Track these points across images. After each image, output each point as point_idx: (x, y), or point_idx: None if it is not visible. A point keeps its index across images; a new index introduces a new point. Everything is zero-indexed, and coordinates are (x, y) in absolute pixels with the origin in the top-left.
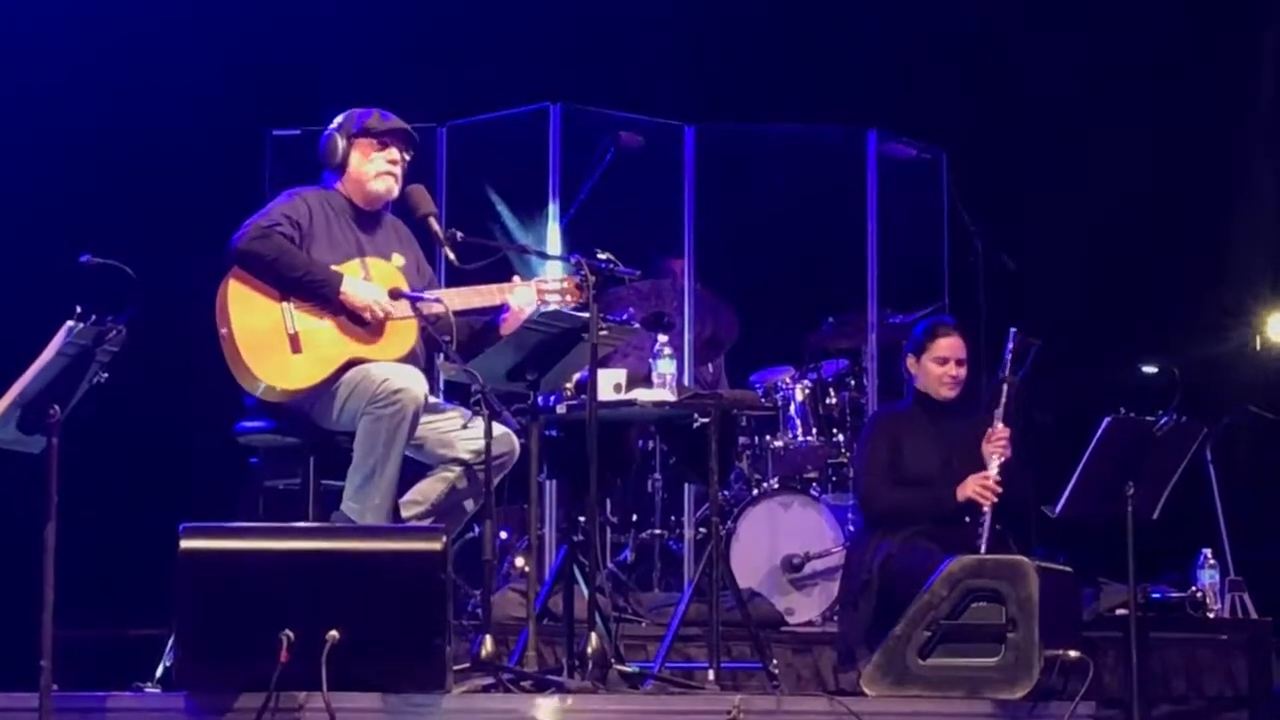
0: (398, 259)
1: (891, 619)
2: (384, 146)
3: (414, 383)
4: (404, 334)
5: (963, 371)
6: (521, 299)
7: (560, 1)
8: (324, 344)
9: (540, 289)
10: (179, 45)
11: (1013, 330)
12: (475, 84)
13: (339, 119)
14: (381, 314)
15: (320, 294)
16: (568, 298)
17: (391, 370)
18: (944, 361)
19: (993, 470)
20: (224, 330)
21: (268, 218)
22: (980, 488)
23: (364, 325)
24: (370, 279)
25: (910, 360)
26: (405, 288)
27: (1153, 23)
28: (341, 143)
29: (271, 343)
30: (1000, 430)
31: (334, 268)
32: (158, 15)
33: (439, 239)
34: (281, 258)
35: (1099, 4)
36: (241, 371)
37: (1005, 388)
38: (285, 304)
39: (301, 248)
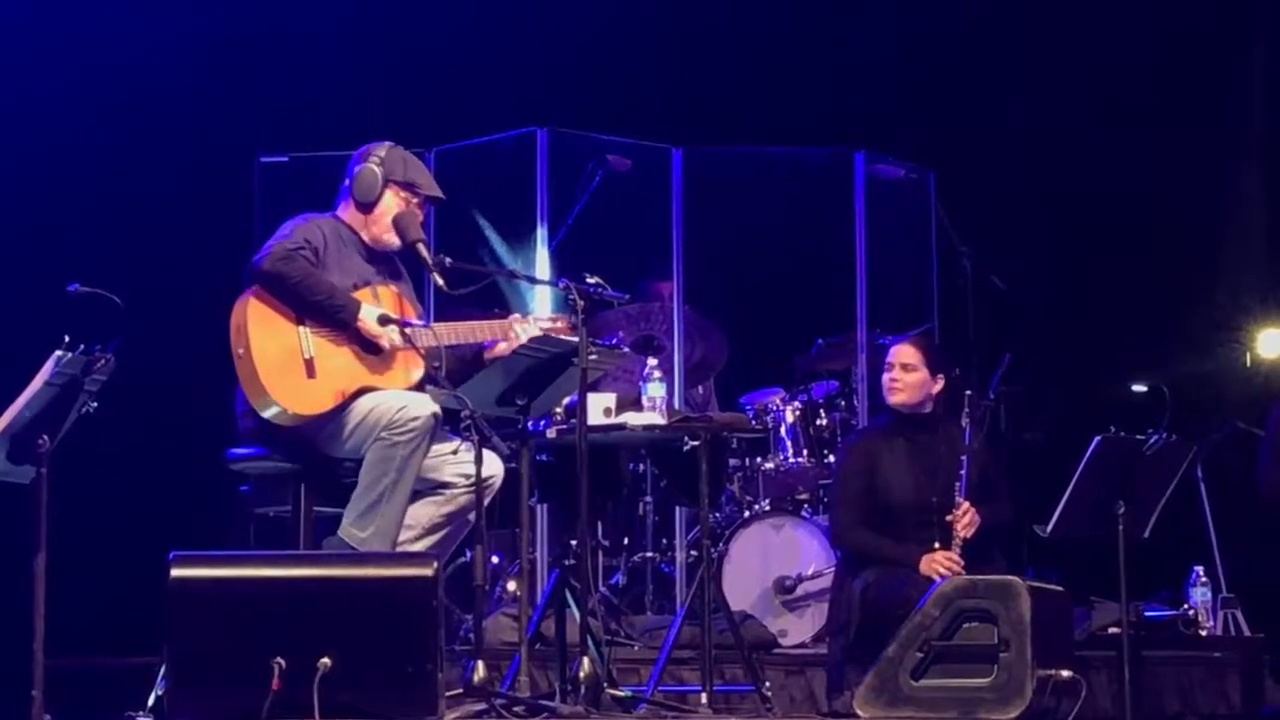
0: (392, 289)
1: (874, 644)
2: (418, 209)
3: (427, 410)
4: (414, 364)
5: (910, 377)
6: (522, 335)
7: (547, 26)
8: (337, 371)
9: (540, 327)
10: (167, 72)
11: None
12: (462, 109)
13: (380, 152)
14: (398, 342)
15: (338, 319)
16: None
17: (407, 398)
18: (889, 368)
19: (955, 551)
20: (240, 350)
21: (291, 240)
22: (944, 570)
23: (376, 354)
24: (383, 308)
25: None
26: (412, 316)
27: (1140, 40)
28: (380, 182)
29: (287, 365)
30: (963, 507)
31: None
32: (146, 43)
33: (428, 265)
34: (306, 280)
35: (1086, 24)
36: (256, 392)
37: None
38: (302, 328)
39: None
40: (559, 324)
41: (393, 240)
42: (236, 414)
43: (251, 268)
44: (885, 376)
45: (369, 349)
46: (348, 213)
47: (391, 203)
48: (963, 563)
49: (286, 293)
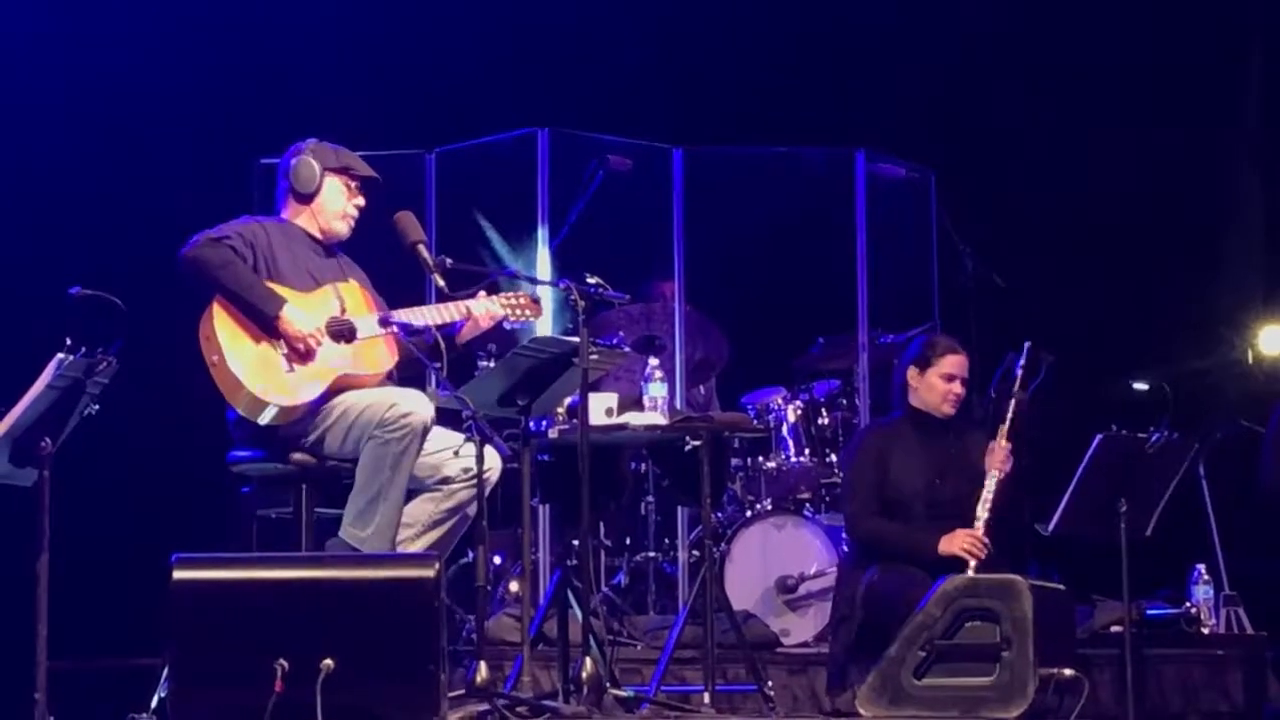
0: (355, 284)
1: (876, 642)
2: (357, 192)
3: (421, 406)
4: (382, 349)
5: (964, 391)
6: (480, 309)
7: (547, 27)
8: (313, 362)
9: (499, 302)
10: (166, 73)
11: (1026, 345)
12: (463, 110)
13: (310, 146)
14: (315, 346)
15: (258, 313)
16: (527, 312)
17: (398, 395)
18: (951, 379)
19: (990, 485)
20: (214, 358)
21: (219, 231)
22: (968, 545)
23: (348, 341)
24: (345, 305)
25: (911, 372)
26: (374, 314)
27: (1139, 39)
28: (317, 172)
29: (268, 363)
30: (1003, 445)
31: (303, 296)
32: (145, 44)
33: (428, 266)
34: (227, 268)
35: (1086, 23)
36: (243, 397)
37: (1014, 403)
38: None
39: (258, 272)
40: (520, 299)
41: (340, 227)
42: (228, 422)
43: (177, 256)
44: (948, 387)
45: (339, 337)
46: (291, 210)
47: (332, 190)
48: (986, 540)
49: (209, 280)
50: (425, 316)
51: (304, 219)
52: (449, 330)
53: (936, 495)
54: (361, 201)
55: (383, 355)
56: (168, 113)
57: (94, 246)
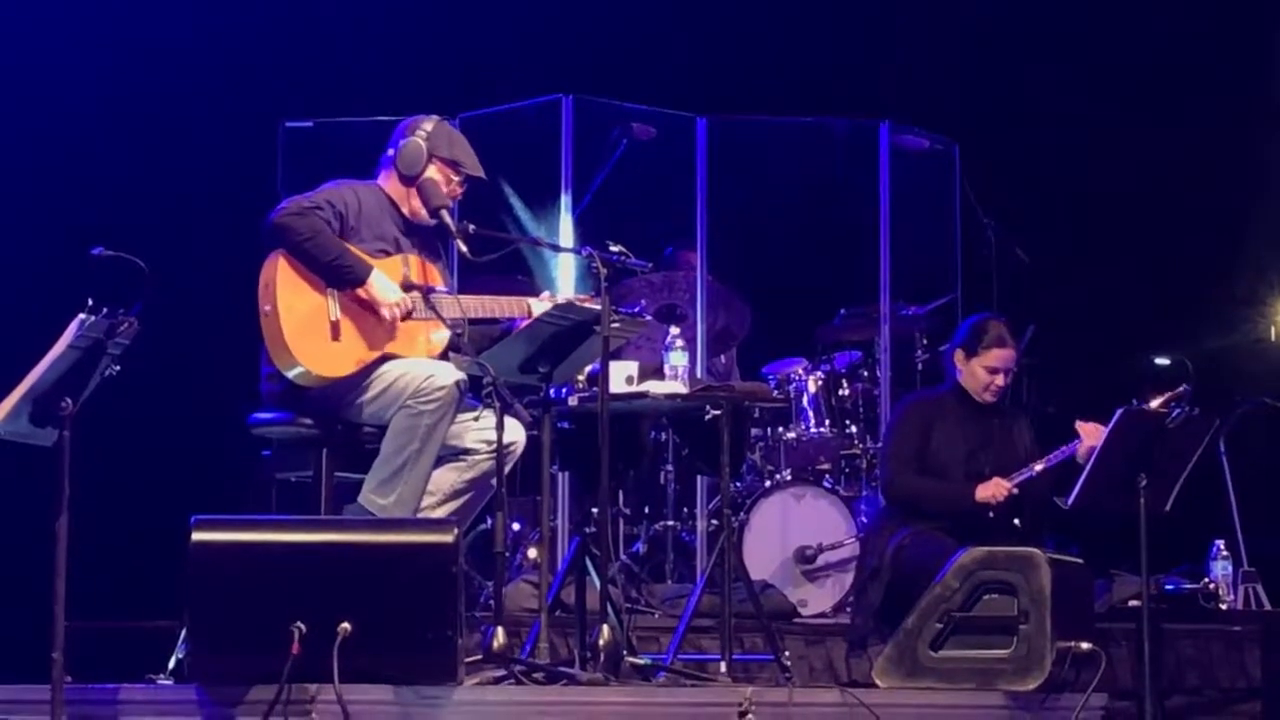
0: (425, 261)
1: (901, 606)
2: (457, 186)
3: (453, 379)
4: (438, 333)
5: (1007, 382)
6: (541, 310)
7: None
8: (363, 335)
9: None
10: (191, 37)
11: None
12: (487, 76)
13: (427, 125)
14: (401, 315)
15: (346, 280)
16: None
17: (434, 366)
18: (994, 371)
19: (1061, 451)
20: (267, 308)
21: (310, 199)
22: (1001, 491)
23: (403, 320)
24: (411, 276)
25: (959, 355)
26: (442, 286)
27: (1165, 11)
28: (424, 156)
29: (314, 327)
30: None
31: (376, 263)
32: (169, 7)
33: (452, 232)
34: (316, 238)
35: None
36: (280, 352)
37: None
38: (330, 290)
39: (342, 237)
40: (585, 303)
41: (424, 214)
42: (261, 375)
43: (265, 221)
44: (991, 379)
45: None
46: (389, 183)
47: (435, 177)
48: (1014, 488)
49: (295, 248)
50: (485, 307)
51: (399, 194)
52: (508, 326)
53: (975, 468)
54: (459, 195)
55: (430, 340)
56: (193, 76)
57: (117, 207)
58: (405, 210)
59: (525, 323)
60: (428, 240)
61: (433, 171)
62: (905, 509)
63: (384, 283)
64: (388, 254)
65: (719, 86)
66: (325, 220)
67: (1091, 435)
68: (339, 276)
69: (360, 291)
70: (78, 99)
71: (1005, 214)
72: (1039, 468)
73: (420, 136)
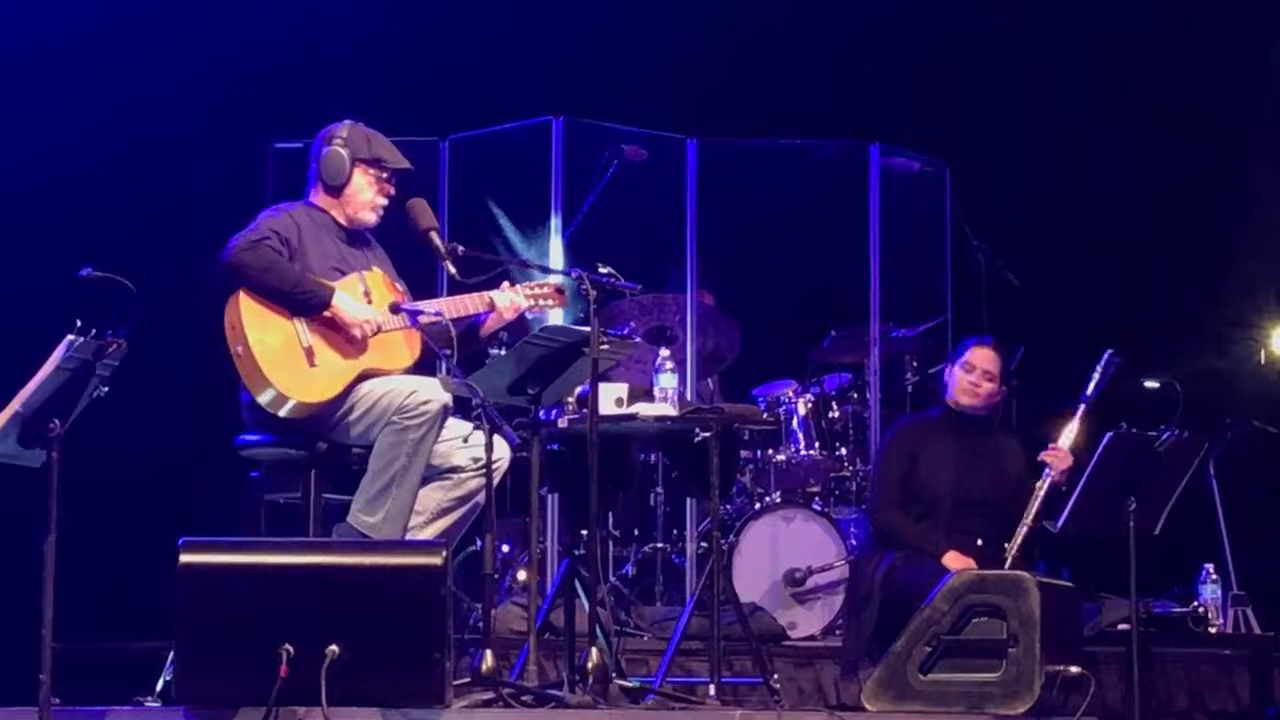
0: (379, 272)
1: (893, 630)
2: (387, 184)
3: (438, 394)
4: (409, 344)
5: (990, 386)
6: (504, 301)
7: (563, 15)
8: (340, 355)
9: (524, 292)
10: (180, 57)
11: (1106, 353)
12: (477, 97)
13: (342, 132)
14: (371, 333)
15: (310, 306)
16: (550, 301)
17: (418, 383)
18: (970, 369)
19: (1043, 486)
20: (239, 348)
21: (256, 231)
22: (965, 566)
23: (373, 335)
24: (370, 293)
25: (948, 369)
26: (401, 297)
27: (1155, 33)
28: (347, 165)
29: (289, 357)
30: (1065, 448)
31: (333, 284)
32: (158, 27)
33: (440, 254)
34: (273, 269)
35: (1103, 18)
36: (263, 389)
37: (1082, 410)
38: (296, 319)
39: (291, 263)
40: (544, 289)
41: (369, 218)
42: (241, 404)
43: (219, 262)
44: (966, 378)
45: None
46: (319, 198)
47: (361, 182)
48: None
49: (256, 284)
50: (447, 307)
51: (331, 206)
52: (474, 321)
53: (965, 493)
54: (391, 191)
55: (405, 349)
56: (182, 96)
57: (106, 228)
58: (342, 220)
59: (491, 315)
60: (372, 250)
61: (358, 176)
62: (885, 540)
63: (349, 303)
64: (341, 273)
65: (709, 108)
66: (276, 250)
67: (1060, 459)
68: (303, 304)
69: (327, 314)
70: (67, 119)
71: (995, 235)
72: (1025, 528)
73: (338, 144)
